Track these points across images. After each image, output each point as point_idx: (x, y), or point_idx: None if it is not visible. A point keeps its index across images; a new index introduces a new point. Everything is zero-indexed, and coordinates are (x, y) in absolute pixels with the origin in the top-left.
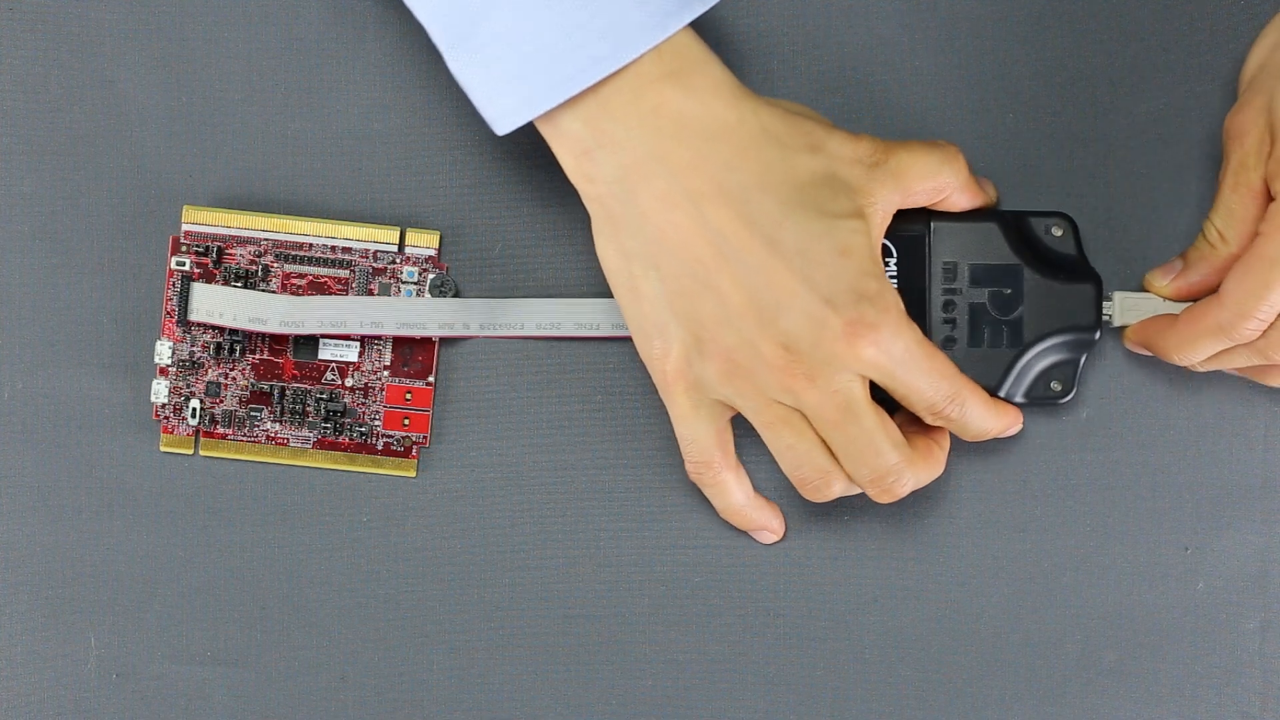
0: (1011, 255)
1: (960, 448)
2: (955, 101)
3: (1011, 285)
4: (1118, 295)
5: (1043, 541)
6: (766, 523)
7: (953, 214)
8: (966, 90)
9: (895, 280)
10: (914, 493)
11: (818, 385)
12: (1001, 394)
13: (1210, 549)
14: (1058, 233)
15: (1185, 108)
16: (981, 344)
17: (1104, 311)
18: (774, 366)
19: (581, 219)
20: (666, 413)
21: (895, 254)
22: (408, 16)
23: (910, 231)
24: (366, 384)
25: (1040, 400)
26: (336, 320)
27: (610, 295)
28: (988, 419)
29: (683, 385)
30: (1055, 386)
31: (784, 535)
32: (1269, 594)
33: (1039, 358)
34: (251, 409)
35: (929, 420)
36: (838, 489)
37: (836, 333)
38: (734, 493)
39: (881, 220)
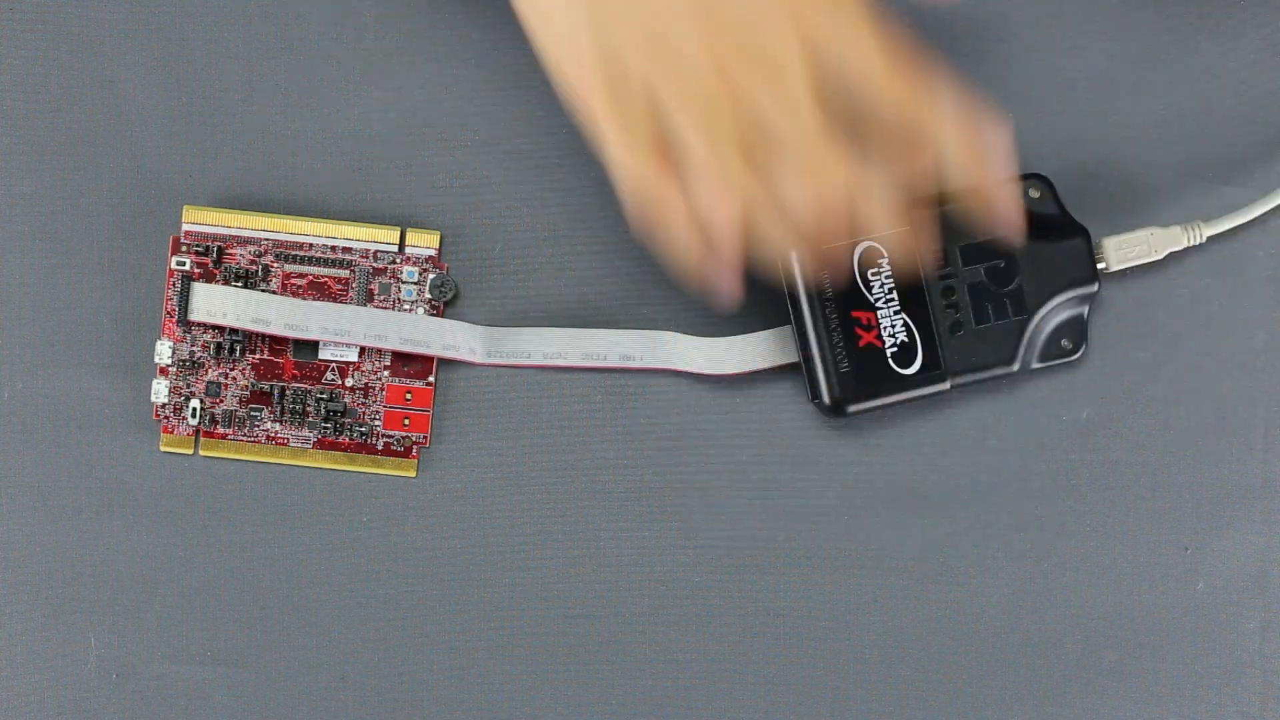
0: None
1: (957, 446)
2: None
3: (1004, 257)
4: (1108, 241)
5: (1042, 541)
6: (721, 267)
7: (933, 199)
8: (966, 90)
9: (891, 278)
10: (911, 494)
11: (751, 59)
12: (1018, 364)
13: (1210, 549)
14: (1036, 194)
15: (1185, 108)
16: (989, 320)
17: (1097, 260)
18: (701, 43)
19: (582, 219)
20: (668, 414)
21: (886, 253)
22: (408, 16)
23: (896, 227)
24: (366, 384)
25: (1054, 360)
26: (340, 329)
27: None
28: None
29: (604, 93)
30: (1066, 344)
31: (737, 297)
32: (1269, 594)
33: (1046, 320)
34: (252, 409)
35: (888, 111)
36: (768, 221)
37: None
38: (680, 214)
39: None
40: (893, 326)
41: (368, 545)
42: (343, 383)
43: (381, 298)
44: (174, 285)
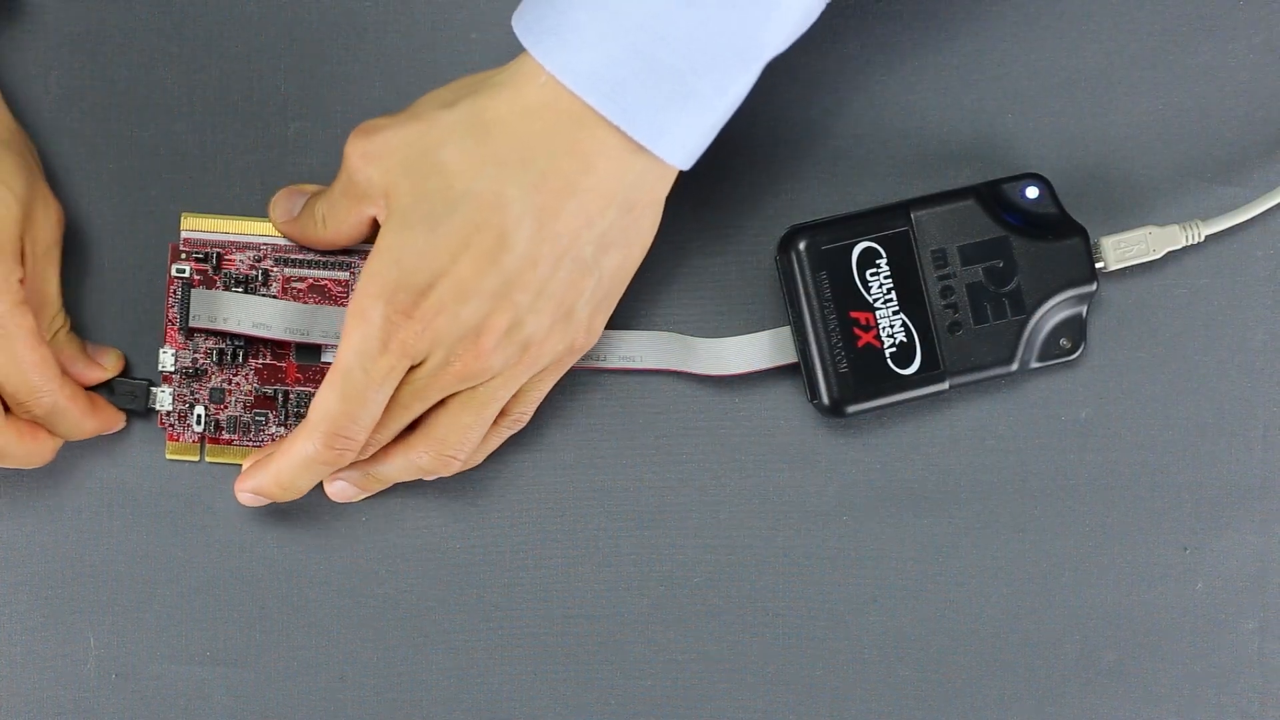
0: (996, 227)
1: (957, 446)
2: (955, 101)
3: (1002, 256)
4: (1106, 241)
5: (1042, 541)
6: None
7: (930, 199)
8: (966, 90)
9: (890, 279)
10: (911, 494)
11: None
12: (1016, 363)
13: (1209, 549)
14: (1034, 194)
15: (1185, 108)
16: (987, 320)
17: (1095, 260)
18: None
19: None
20: (668, 414)
21: (885, 254)
22: (407, 16)
23: (894, 228)
24: None
25: (1053, 360)
26: (338, 331)
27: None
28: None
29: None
30: (1065, 344)
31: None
32: (1268, 594)
33: (1045, 319)
34: (256, 414)
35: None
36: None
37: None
38: None
39: None
40: (891, 327)
41: (368, 545)
42: None
43: None
44: (174, 293)
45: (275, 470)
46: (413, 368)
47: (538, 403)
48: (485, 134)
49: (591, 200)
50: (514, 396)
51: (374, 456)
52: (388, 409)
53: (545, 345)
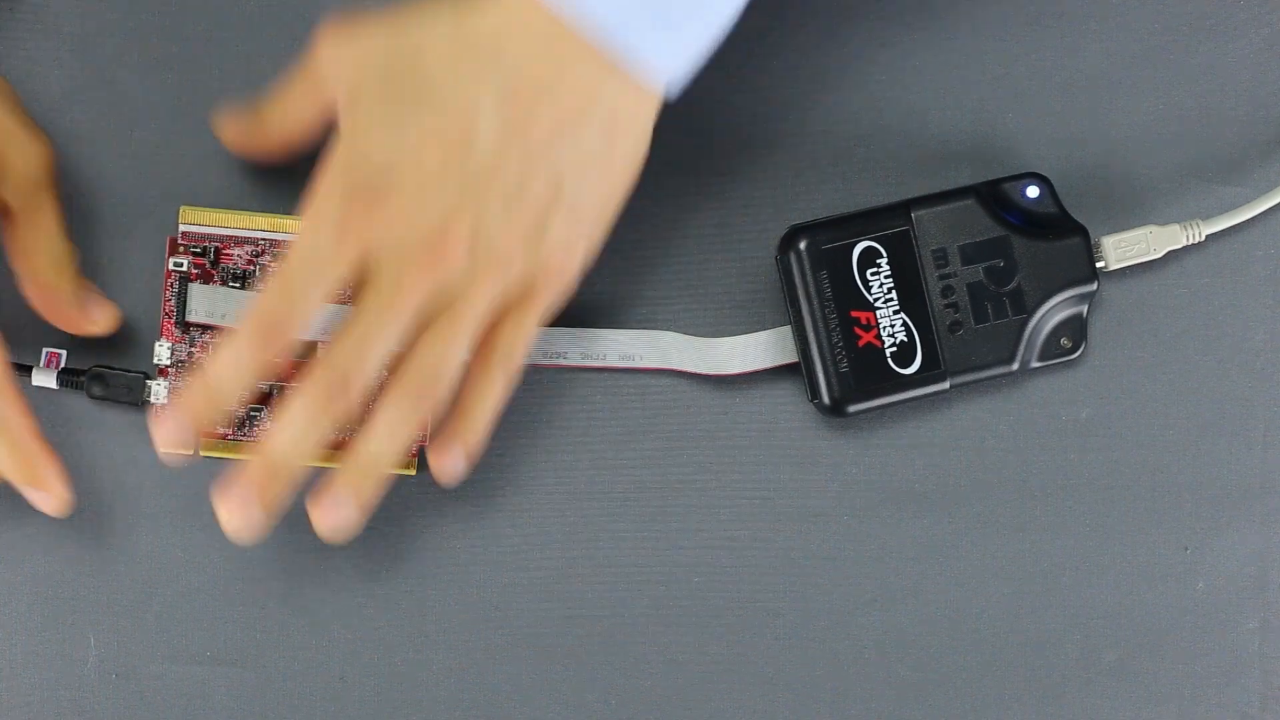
0: (997, 227)
1: (957, 446)
2: (955, 101)
3: (1003, 256)
4: (1106, 240)
5: (1042, 541)
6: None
7: (930, 199)
8: (966, 90)
9: (890, 278)
10: (911, 494)
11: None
12: (1016, 363)
13: (1210, 549)
14: (1034, 194)
15: (1185, 108)
16: (988, 319)
17: (1096, 259)
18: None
19: None
20: (668, 414)
21: (885, 253)
22: None
23: (894, 228)
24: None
25: (1054, 359)
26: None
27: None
28: None
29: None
30: (1065, 344)
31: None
32: (1268, 594)
33: (1046, 319)
34: (252, 409)
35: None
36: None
37: None
38: None
39: None
40: (892, 326)
41: (368, 545)
42: None
43: None
44: (172, 286)
45: (203, 378)
46: (373, 286)
47: (526, 339)
48: (464, 44)
49: (564, 111)
50: (496, 328)
51: (360, 435)
52: (363, 330)
53: (514, 257)
